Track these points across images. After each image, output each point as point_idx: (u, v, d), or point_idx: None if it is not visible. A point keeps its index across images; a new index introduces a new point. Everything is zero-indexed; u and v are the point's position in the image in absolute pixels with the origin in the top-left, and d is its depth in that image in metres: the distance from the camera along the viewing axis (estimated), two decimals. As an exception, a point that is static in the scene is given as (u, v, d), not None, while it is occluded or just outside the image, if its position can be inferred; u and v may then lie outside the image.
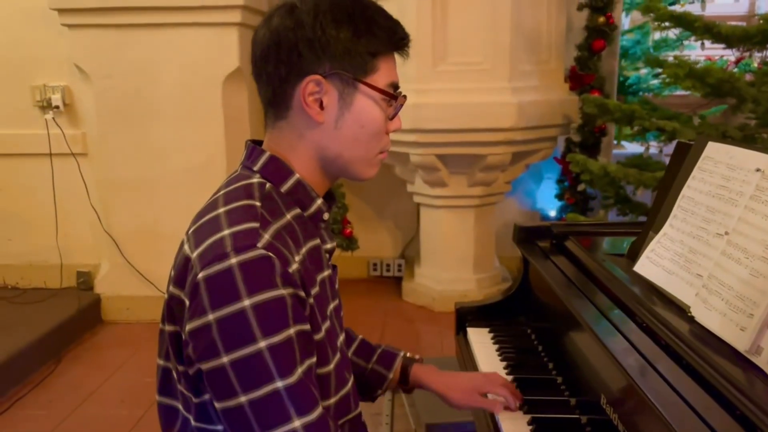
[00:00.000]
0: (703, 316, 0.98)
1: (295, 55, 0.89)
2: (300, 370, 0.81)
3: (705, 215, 1.07)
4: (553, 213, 3.88)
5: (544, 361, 1.38)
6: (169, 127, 3.27)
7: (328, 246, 1.01)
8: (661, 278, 1.13)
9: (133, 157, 3.29)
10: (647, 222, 1.29)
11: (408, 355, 1.26)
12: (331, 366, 0.91)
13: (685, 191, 1.15)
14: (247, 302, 0.79)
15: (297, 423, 0.80)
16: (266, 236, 0.83)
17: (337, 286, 1.06)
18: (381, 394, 1.25)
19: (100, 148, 3.33)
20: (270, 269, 0.81)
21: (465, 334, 1.60)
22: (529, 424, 1.15)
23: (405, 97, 0.96)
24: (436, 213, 3.55)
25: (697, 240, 1.07)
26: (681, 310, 1.05)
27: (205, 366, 0.81)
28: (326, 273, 0.98)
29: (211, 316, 0.80)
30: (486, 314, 1.64)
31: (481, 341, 1.53)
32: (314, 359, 0.86)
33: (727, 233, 1.00)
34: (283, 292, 0.81)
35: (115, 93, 3.23)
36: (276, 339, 0.79)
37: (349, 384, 0.97)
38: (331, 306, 0.98)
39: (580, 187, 3.49)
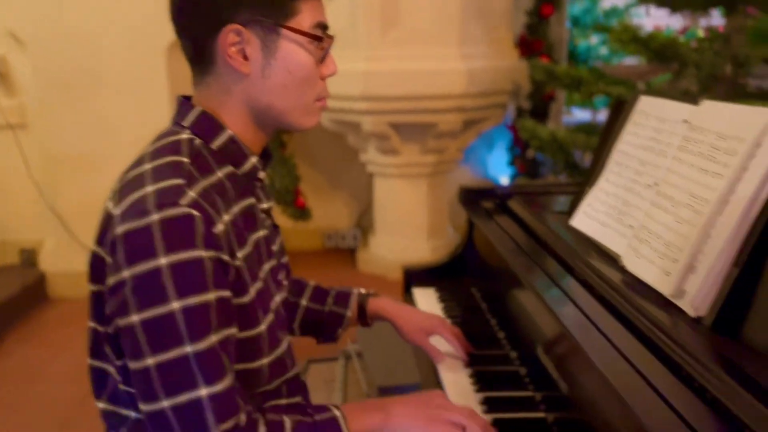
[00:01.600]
0: (634, 264, 1.01)
1: (209, 6, 0.86)
2: (214, 338, 0.79)
3: (637, 168, 1.10)
4: (504, 180, 3.93)
5: (487, 318, 1.41)
6: (114, 98, 3.17)
7: (265, 205, 0.99)
8: (596, 231, 1.15)
9: (77, 129, 3.18)
10: (586, 178, 1.32)
11: (362, 291, 1.27)
12: (263, 327, 0.90)
13: (619, 145, 1.17)
14: (163, 260, 0.76)
15: (203, 392, 0.77)
16: (191, 194, 0.81)
17: (275, 247, 1.05)
18: (342, 332, 1.26)
19: (41, 121, 3.20)
20: (191, 229, 0.78)
21: (411, 295, 1.62)
22: (470, 377, 1.17)
23: (332, 37, 0.94)
24: (390, 182, 3.55)
25: (630, 192, 1.10)
26: (615, 260, 1.07)
27: (118, 324, 0.79)
28: (261, 233, 0.96)
29: (125, 273, 0.77)
30: (433, 275, 1.66)
31: (427, 301, 1.54)
32: (233, 330, 0.83)
33: (656, 184, 1.03)
34: (203, 254, 0.78)
35: (55, 62, 3.10)
36: (191, 301, 0.77)
37: (285, 344, 0.96)
38: (267, 266, 0.96)
39: (530, 154, 3.53)
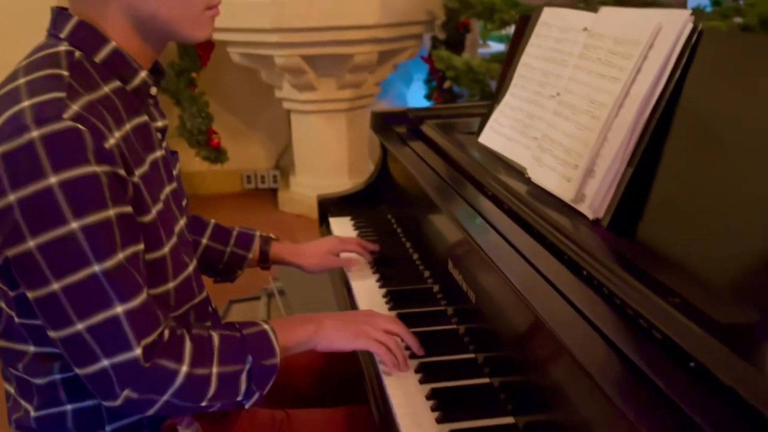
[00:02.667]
0: (538, 175, 1.02)
1: None
2: (121, 255, 0.75)
3: (540, 79, 1.10)
4: (423, 114, 3.92)
5: (402, 241, 1.41)
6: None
7: (159, 124, 0.93)
8: (503, 146, 1.16)
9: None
10: (494, 96, 1.31)
11: (264, 234, 1.26)
12: (166, 249, 0.86)
13: (524, 59, 1.17)
14: (53, 179, 0.71)
15: (119, 309, 0.74)
16: (74, 107, 0.74)
17: (176, 171, 1.00)
18: (240, 274, 1.25)
19: None
20: (79, 143, 0.73)
21: (328, 225, 1.60)
22: (384, 296, 1.18)
23: None
24: (307, 119, 3.47)
25: (534, 104, 1.10)
26: (521, 173, 1.08)
27: (12, 252, 0.73)
28: (159, 154, 0.91)
29: (11, 197, 0.71)
30: (348, 204, 1.65)
31: (343, 230, 1.53)
32: (141, 246, 0.80)
33: (558, 94, 1.03)
34: (96, 169, 0.73)
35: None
36: (90, 219, 0.73)
37: (190, 268, 0.93)
38: (167, 189, 0.92)
39: (446, 85, 3.53)
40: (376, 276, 1.26)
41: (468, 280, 1.00)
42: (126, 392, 0.76)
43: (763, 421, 0.52)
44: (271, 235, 1.27)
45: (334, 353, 1.11)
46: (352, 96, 3.40)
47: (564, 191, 0.94)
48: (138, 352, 0.75)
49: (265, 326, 0.89)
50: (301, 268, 1.27)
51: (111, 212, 0.75)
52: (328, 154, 3.51)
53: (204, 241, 1.20)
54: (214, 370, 0.81)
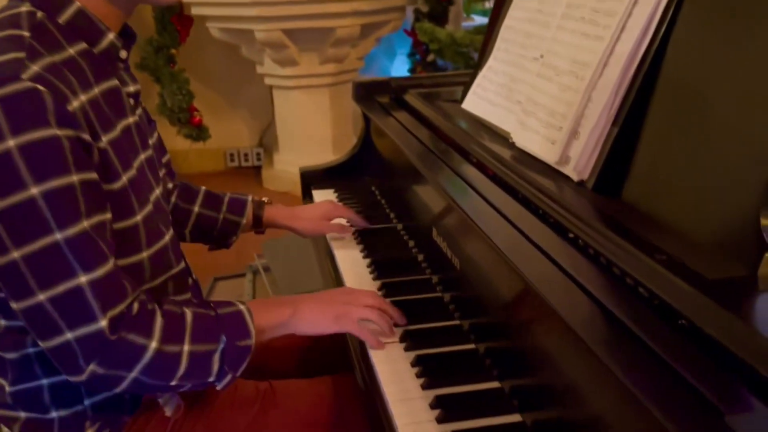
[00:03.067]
0: (522, 139, 1.00)
1: None
2: (86, 223, 0.72)
3: (523, 42, 1.08)
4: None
5: (386, 211, 1.39)
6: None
7: (131, 89, 0.90)
8: (486, 111, 1.14)
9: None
10: (477, 62, 1.29)
11: (256, 199, 1.25)
12: (138, 218, 0.83)
13: (507, 22, 1.15)
14: (11, 142, 0.68)
15: (83, 279, 0.71)
16: (34, 67, 0.71)
17: (152, 140, 0.97)
18: (235, 239, 1.24)
19: None
20: (39, 105, 0.70)
21: (311, 198, 1.58)
22: (368, 266, 1.17)
23: None
24: (290, 95, 3.42)
25: (517, 68, 1.08)
26: (505, 138, 1.06)
27: None
28: (131, 120, 0.88)
29: None
30: (331, 176, 1.62)
31: (326, 202, 1.50)
32: (108, 215, 0.77)
33: (542, 56, 1.01)
34: (57, 132, 0.70)
35: None
36: (52, 185, 0.70)
37: (167, 237, 0.90)
38: (142, 156, 0.89)
39: (430, 58, 3.49)
40: (360, 247, 1.25)
41: (452, 247, 0.99)
42: (91, 367, 0.74)
43: (753, 374, 0.51)
44: (264, 198, 1.25)
45: None
46: (335, 71, 3.36)
47: (548, 154, 0.92)
48: (103, 324, 0.72)
49: (241, 306, 0.86)
50: (295, 231, 1.26)
51: (74, 178, 0.72)
52: (311, 131, 3.47)
53: (196, 209, 1.18)
54: (186, 348, 0.79)
